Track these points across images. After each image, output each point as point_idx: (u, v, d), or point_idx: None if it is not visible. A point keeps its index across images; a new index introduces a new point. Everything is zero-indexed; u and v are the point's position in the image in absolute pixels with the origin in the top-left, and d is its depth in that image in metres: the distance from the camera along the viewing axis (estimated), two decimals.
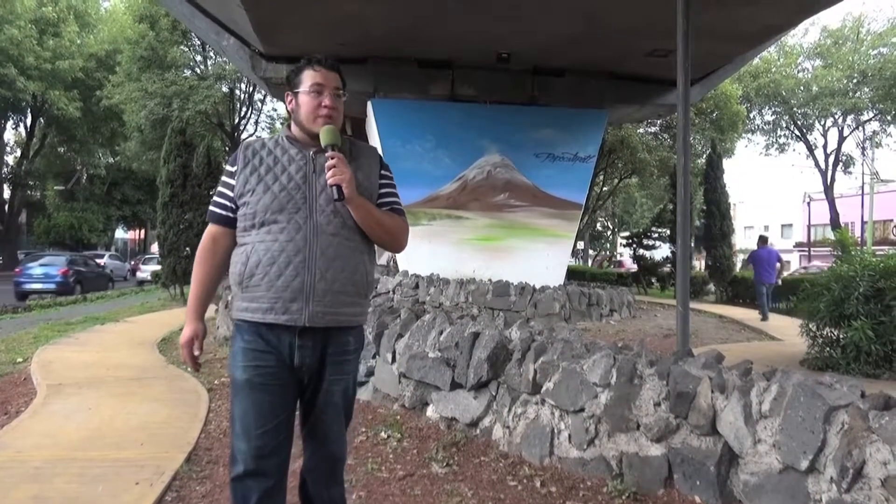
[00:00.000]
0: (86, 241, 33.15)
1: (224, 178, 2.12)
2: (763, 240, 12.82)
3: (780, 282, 12.84)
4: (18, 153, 33.68)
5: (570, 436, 3.55)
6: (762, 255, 12.32)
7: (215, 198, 2.13)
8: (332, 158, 1.97)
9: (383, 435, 4.10)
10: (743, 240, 51.32)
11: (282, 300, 1.97)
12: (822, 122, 29.28)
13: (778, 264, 12.30)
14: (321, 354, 2.05)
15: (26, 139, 32.25)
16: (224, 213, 2.10)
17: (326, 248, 2.00)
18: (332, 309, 2.01)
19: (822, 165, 29.83)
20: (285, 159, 2.06)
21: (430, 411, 4.45)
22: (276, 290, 1.97)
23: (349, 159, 2.07)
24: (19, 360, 6.53)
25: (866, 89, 26.66)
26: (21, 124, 33.21)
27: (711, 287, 18.43)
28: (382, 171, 2.20)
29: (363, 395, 4.95)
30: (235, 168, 2.08)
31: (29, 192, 35.71)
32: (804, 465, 2.59)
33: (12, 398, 5.02)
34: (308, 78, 2.09)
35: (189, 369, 6.02)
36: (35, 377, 5.57)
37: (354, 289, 2.07)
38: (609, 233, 44.93)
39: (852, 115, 28.06)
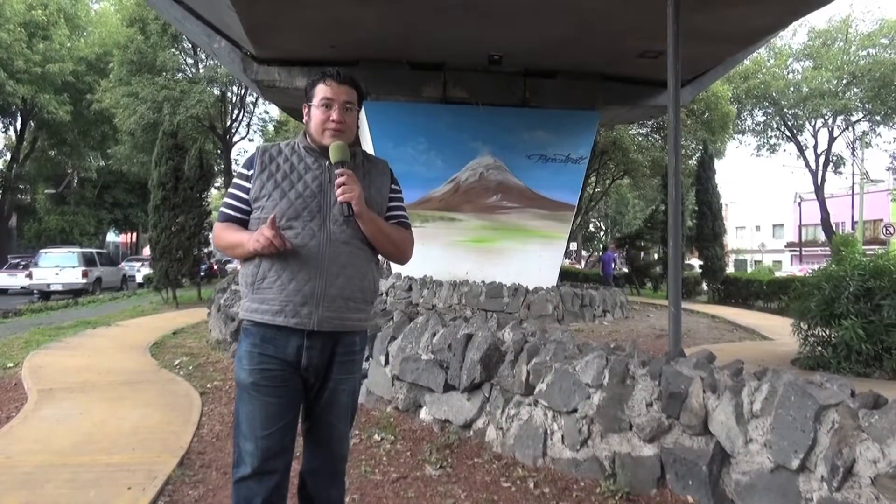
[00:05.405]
0: (77, 244, 32.96)
1: (237, 181, 2.15)
2: (605, 247, 24.01)
3: (615, 272, 20.15)
4: (8, 157, 33.41)
5: (563, 437, 3.55)
6: (605, 258, 20.14)
7: (227, 199, 2.15)
8: (342, 176, 2.00)
9: (377, 437, 4.10)
10: (735, 240, 51.59)
11: (292, 304, 2.01)
12: (813, 123, 29.39)
13: (615, 262, 20.38)
14: (329, 355, 2.09)
15: (16, 143, 31.98)
16: (237, 214, 2.13)
17: (338, 256, 2.04)
18: (339, 314, 2.06)
19: (813, 166, 29.96)
20: (301, 167, 2.10)
21: (424, 413, 4.45)
22: (288, 293, 2.01)
23: (362, 173, 2.14)
24: (10, 364, 6.49)
25: (856, 90, 26.80)
26: (11, 128, 32.97)
27: (704, 287, 18.50)
28: (393, 186, 2.26)
29: None
30: (252, 172, 2.11)
31: (19, 195, 35.43)
32: (795, 464, 2.60)
33: (3, 403, 4.99)
34: (319, 92, 2.11)
35: (181, 373, 6.03)
36: (26, 382, 5.54)
37: (362, 295, 2.12)
38: (601, 233, 45.10)
39: (842, 116, 28.18)
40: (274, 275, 2.02)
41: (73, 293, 19.03)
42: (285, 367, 2.04)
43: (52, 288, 19.45)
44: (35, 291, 19.84)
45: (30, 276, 20.15)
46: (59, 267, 19.73)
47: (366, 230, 2.07)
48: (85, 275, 20.04)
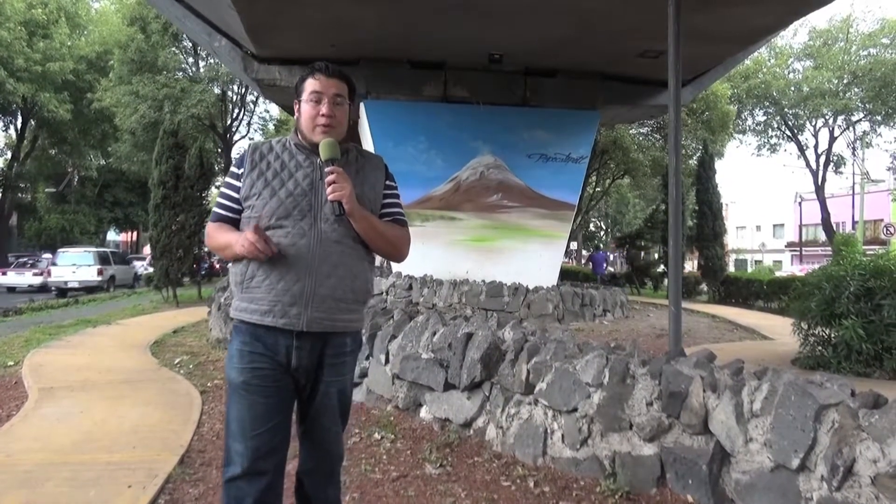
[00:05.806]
0: (77, 243, 32.99)
1: (229, 180, 2.11)
2: (597, 247, 26.36)
3: (605, 272, 21.84)
4: (9, 155, 33.40)
5: (563, 436, 3.55)
6: (596, 257, 22.17)
7: (219, 198, 2.13)
8: (332, 174, 1.96)
9: (377, 436, 4.10)
10: (735, 240, 51.57)
11: (281, 304, 1.97)
12: (813, 123, 29.38)
13: (606, 261, 22.00)
14: (319, 356, 2.06)
15: (17, 141, 31.98)
16: (228, 213, 2.10)
17: (329, 255, 2.00)
18: (330, 315, 2.02)
19: (813, 166, 29.94)
20: (292, 165, 2.06)
21: (424, 412, 4.45)
22: (277, 293, 1.97)
23: (355, 169, 2.09)
24: (10, 363, 6.49)
25: (856, 90, 26.80)
26: (11, 126, 32.97)
27: (704, 287, 18.51)
28: (387, 182, 2.20)
29: (356, 396, 4.94)
30: (242, 170, 2.08)
31: (20, 194, 35.44)
32: (795, 463, 2.60)
33: (3, 402, 4.99)
34: (308, 86, 2.08)
35: (182, 372, 6.03)
36: (26, 381, 5.54)
37: (354, 296, 2.08)
38: (601, 233, 45.10)
39: (843, 116, 28.17)
40: (262, 274, 1.99)
41: (89, 290, 20.07)
42: (276, 366, 2.01)
43: (70, 285, 20.36)
44: (53, 288, 20.77)
45: (48, 273, 21.23)
46: (76, 265, 20.88)
47: (358, 228, 2.03)
48: (100, 273, 21.10)
